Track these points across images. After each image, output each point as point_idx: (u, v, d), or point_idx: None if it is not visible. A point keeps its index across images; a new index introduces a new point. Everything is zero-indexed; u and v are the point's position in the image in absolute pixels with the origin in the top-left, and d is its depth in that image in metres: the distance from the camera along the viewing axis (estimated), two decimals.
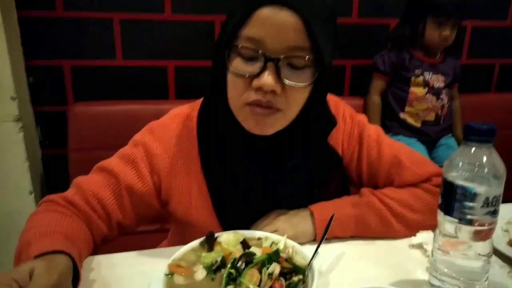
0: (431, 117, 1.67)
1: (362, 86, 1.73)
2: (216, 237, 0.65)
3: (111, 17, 1.47)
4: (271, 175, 0.77)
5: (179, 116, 0.81)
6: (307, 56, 0.65)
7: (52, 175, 1.55)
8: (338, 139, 0.82)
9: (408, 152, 0.85)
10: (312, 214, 0.76)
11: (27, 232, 0.64)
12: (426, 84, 1.64)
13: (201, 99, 0.81)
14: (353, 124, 0.84)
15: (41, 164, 1.53)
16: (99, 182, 0.75)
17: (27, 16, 1.41)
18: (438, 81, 1.65)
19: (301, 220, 0.76)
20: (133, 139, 0.80)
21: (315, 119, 0.77)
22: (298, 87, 0.67)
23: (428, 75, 1.64)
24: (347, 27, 1.70)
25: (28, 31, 1.42)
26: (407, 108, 1.66)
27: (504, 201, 0.57)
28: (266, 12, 0.63)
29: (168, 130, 0.79)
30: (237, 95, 0.69)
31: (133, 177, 0.75)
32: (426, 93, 1.64)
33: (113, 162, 0.77)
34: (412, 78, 1.63)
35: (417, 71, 1.63)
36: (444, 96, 1.67)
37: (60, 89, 1.49)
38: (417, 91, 1.64)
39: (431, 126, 1.68)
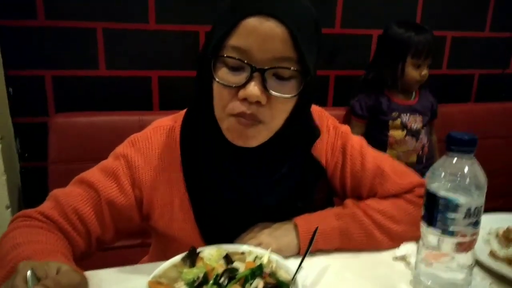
0: (413, 158, 1.67)
1: (346, 97, 1.74)
2: (198, 252, 0.64)
3: (94, 26, 1.45)
4: (256, 185, 0.76)
5: (161, 128, 0.80)
6: (292, 67, 0.65)
7: (31, 188, 1.51)
8: (322, 150, 0.82)
9: (391, 163, 0.85)
10: (296, 226, 0.76)
11: (19, 248, 0.62)
12: (404, 126, 1.64)
13: (184, 111, 0.80)
14: (336, 135, 0.84)
15: (19, 177, 1.49)
16: (79, 196, 0.73)
17: (8, 25, 1.38)
18: (415, 122, 1.66)
19: (285, 233, 0.75)
20: (114, 151, 0.78)
21: (299, 129, 0.77)
22: (283, 98, 0.67)
23: (405, 117, 1.64)
24: (330, 37, 1.72)
25: (8, 41, 1.39)
26: (388, 152, 1.66)
27: (484, 211, 0.57)
28: (252, 22, 0.63)
29: (150, 142, 0.78)
30: (222, 105, 0.68)
31: (114, 190, 0.73)
32: (405, 135, 1.64)
33: (94, 174, 0.75)
34: (390, 122, 1.63)
35: (394, 114, 1.63)
36: (423, 136, 1.68)
37: (41, 100, 1.46)
38: (395, 134, 1.64)
39: (414, 165, 1.68)
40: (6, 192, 1.38)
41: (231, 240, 0.74)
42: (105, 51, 1.48)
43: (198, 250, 0.65)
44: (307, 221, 0.77)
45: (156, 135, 0.79)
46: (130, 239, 1.36)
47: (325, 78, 1.77)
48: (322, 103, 1.78)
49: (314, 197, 0.82)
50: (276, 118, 0.69)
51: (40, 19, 1.41)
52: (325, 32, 1.62)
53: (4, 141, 1.37)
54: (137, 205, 0.76)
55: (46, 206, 0.73)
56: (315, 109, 0.84)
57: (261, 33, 0.63)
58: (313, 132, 0.81)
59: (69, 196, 0.73)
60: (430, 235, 0.57)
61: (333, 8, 1.69)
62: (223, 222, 0.76)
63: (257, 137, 0.70)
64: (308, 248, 0.69)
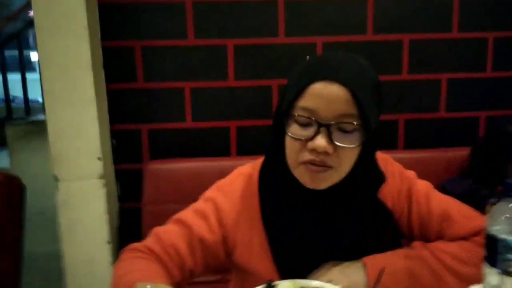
0: None
1: (416, 139, 1.77)
2: (274, 286, 0.73)
3: (183, 86, 1.68)
4: (326, 227, 0.85)
5: (242, 175, 0.92)
6: (355, 122, 0.75)
7: (127, 226, 1.71)
8: (388, 194, 0.88)
9: (457, 206, 0.89)
10: (364, 265, 0.81)
11: (130, 274, 0.76)
12: None
13: (261, 159, 0.93)
14: (401, 180, 0.90)
15: (118, 216, 1.70)
16: (175, 233, 0.86)
17: (114, 88, 1.66)
18: None
19: (354, 271, 0.81)
20: (204, 195, 0.92)
21: (365, 175, 0.85)
22: (348, 148, 0.76)
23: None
24: (397, 84, 1.77)
25: (114, 101, 1.66)
26: None
27: None
28: (318, 87, 0.75)
29: (233, 187, 0.90)
30: (294, 155, 0.79)
31: (204, 229, 0.86)
32: None
33: (187, 215, 0.89)
34: (488, 206, 1.44)
35: (493, 199, 1.48)
36: None
37: (137, 149, 1.70)
38: None
39: None
40: (108, 230, 1.59)
41: (304, 275, 0.82)
42: (191, 106, 1.69)
43: (275, 283, 0.73)
44: (375, 260, 0.82)
45: (238, 181, 0.92)
46: (211, 275, 1.48)
47: (393, 123, 1.82)
48: (392, 147, 1.81)
49: (381, 239, 0.87)
50: (343, 164, 0.79)
51: (139, 82, 1.67)
52: (392, 79, 1.71)
53: (108, 186, 1.60)
54: (222, 243, 0.88)
55: (149, 241, 0.87)
56: (381, 156, 0.92)
57: (326, 96, 0.74)
58: (379, 177, 0.88)
59: (168, 233, 0.87)
60: (492, 275, 0.60)
61: (400, 55, 1.75)
62: (297, 259, 0.85)
63: (328, 180, 0.79)
64: (375, 285, 0.74)
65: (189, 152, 1.70)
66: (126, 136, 1.70)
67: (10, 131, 2.09)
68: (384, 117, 0.83)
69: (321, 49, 1.70)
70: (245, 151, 1.74)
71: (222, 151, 1.74)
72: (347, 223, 0.85)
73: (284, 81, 0.84)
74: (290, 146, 0.80)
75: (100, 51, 1.61)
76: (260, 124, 1.72)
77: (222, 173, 0.97)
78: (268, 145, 0.89)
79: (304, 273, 0.82)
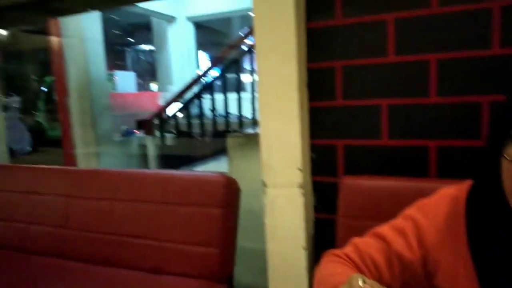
0: None
1: None
2: None
3: (380, 103, 1.70)
4: None
5: (447, 197, 0.89)
6: None
7: (320, 235, 1.82)
8: None
9: None
10: None
11: (334, 276, 0.84)
12: None
13: (468, 182, 0.87)
14: None
15: (313, 225, 1.83)
16: (373, 245, 0.90)
17: (316, 106, 1.81)
18: None
19: None
20: (404, 213, 0.93)
21: None
22: None
23: None
24: None
25: (314, 118, 1.81)
26: None
27: None
28: None
29: (437, 209, 0.88)
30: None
31: (402, 246, 0.87)
32: None
33: (386, 230, 0.91)
34: None
35: None
36: None
37: (333, 164, 1.80)
38: None
39: None
40: (304, 236, 1.73)
41: None
42: (388, 124, 1.69)
43: None
44: None
45: (442, 203, 0.89)
46: None
47: None
48: None
49: None
50: None
51: (339, 100, 1.77)
52: None
53: (306, 195, 1.74)
54: (422, 263, 0.87)
55: (349, 249, 0.93)
56: None
57: None
58: None
59: (366, 245, 0.91)
60: None
61: None
62: None
63: None
64: None
65: (383, 170, 1.70)
66: (324, 150, 1.82)
67: (230, 142, 2.51)
68: None
69: None
70: (446, 172, 1.62)
71: (419, 171, 1.67)
72: None
73: (497, 98, 0.77)
74: (508, 171, 0.73)
75: (305, 72, 1.78)
76: (464, 145, 1.58)
77: (420, 194, 0.95)
78: (479, 167, 0.84)
79: None
